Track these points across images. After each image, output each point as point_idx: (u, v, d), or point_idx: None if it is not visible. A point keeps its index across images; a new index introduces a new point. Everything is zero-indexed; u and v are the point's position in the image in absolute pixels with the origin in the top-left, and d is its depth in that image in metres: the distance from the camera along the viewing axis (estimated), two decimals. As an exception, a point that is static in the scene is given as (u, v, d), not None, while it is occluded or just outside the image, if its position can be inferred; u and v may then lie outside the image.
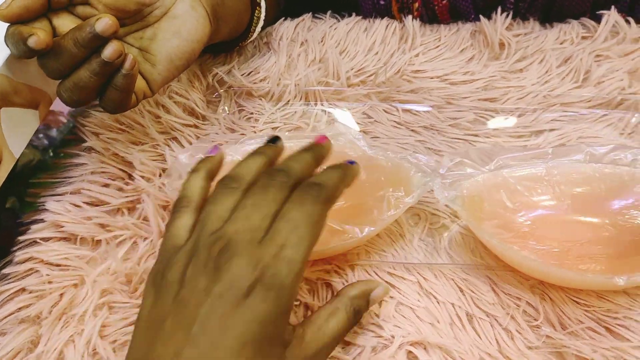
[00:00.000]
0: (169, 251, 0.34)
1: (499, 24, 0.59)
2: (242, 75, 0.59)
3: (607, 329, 0.40)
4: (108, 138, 0.53)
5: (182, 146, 0.53)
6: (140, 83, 0.45)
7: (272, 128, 0.56)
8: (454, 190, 0.44)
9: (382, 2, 0.64)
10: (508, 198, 0.45)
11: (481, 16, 0.60)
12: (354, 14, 0.64)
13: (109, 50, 0.40)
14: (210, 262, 0.31)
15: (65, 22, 0.42)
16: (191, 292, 0.31)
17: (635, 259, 0.42)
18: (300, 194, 0.34)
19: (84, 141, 0.53)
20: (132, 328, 0.42)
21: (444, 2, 0.62)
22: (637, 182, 0.44)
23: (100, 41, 0.40)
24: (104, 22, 0.39)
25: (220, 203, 0.34)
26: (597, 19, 0.59)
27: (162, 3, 0.45)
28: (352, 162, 0.38)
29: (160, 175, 0.51)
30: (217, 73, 0.59)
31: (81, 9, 0.43)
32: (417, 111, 0.55)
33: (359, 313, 0.37)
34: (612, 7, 0.59)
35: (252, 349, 0.30)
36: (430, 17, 0.64)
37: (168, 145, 0.53)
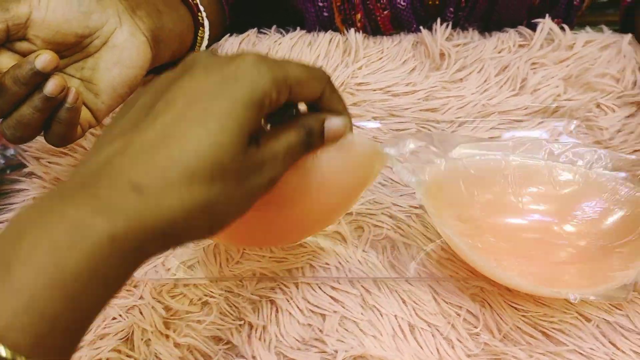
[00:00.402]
0: None
1: (439, 35, 0.60)
2: (186, 93, 0.59)
3: (543, 333, 0.41)
4: (49, 162, 0.52)
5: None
6: (84, 113, 0.45)
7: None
8: (416, 176, 0.43)
9: (325, 14, 0.65)
10: (466, 188, 0.45)
11: (422, 27, 0.61)
12: (298, 29, 0.65)
13: (51, 86, 0.40)
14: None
15: (3, 60, 0.42)
16: (163, 80, 0.32)
17: (580, 266, 0.43)
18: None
19: (25, 166, 0.53)
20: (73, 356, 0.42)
21: (386, 12, 0.63)
22: (591, 185, 0.45)
23: (41, 77, 0.40)
24: (44, 59, 0.39)
25: None
26: (534, 28, 0.61)
27: (101, 33, 0.45)
28: None
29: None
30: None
31: (19, 45, 0.43)
32: (362, 126, 0.56)
33: (311, 135, 0.35)
34: (547, 15, 0.60)
35: (218, 124, 0.29)
36: (373, 28, 0.65)
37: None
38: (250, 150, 0.31)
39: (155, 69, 0.57)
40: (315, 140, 0.36)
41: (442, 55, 0.60)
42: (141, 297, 0.45)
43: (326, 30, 0.64)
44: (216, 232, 0.31)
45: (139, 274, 0.46)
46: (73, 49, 0.45)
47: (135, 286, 0.46)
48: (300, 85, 0.33)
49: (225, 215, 0.31)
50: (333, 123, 0.36)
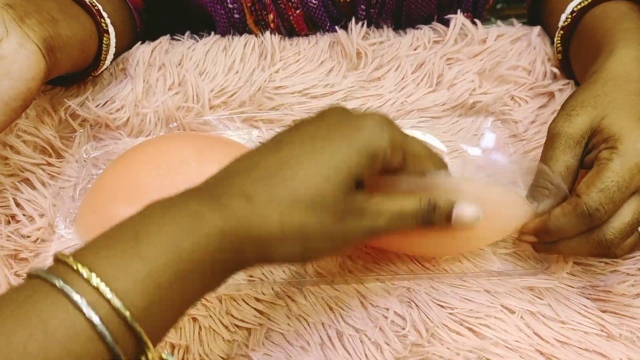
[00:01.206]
0: None
1: (354, 34, 0.60)
2: (96, 106, 0.56)
3: (470, 329, 0.41)
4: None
5: (34, 188, 0.50)
6: None
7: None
8: None
9: (236, 16, 0.63)
10: None
11: (337, 27, 0.60)
12: (212, 33, 0.63)
13: None
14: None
15: None
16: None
17: None
18: None
19: None
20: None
21: (298, 11, 0.62)
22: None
23: None
24: None
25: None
26: (447, 23, 0.61)
27: None
28: None
29: (9, 222, 0.48)
30: (70, 106, 0.56)
31: None
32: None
33: (435, 209, 0.37)
34: (459, 10, 0.61)
35: (333, 158, 0.33)
36: (287, 28, 0.64)
37: (17, 188, 0.50)
38: (356, 196, 0.34)
39: (63, 79, 0.54)
40: (439, 219, 0.37)
41: (358, 54, 0.59)
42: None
43: (240, 34, 0.63)
44: (308, 261, 0.35)
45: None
46: None
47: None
48: (415, 159, 0.37)
49: (319, 247, 0.34)
50: (466, 212, 0.37)
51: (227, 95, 0.57)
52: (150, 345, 0.28)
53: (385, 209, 0.35)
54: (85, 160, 0.54)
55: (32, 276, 0.28)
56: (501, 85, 0.56)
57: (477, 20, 0.61)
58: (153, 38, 0.64)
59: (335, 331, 0.42)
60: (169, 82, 0.58)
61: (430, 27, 0.61)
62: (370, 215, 0.35)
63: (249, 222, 0.31)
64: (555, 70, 0.56)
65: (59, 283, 0.26)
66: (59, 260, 0.28)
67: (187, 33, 0.64)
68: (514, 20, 0.62)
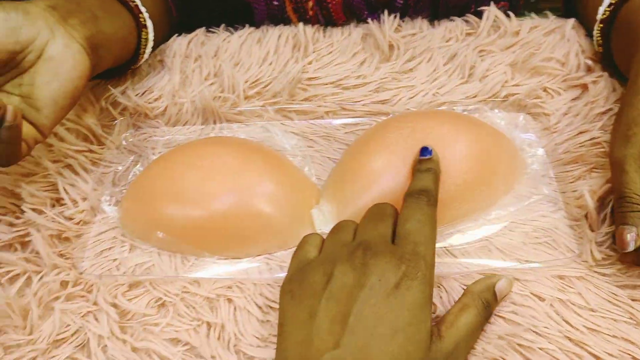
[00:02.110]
0: (302, 262, 0.39)
1: (387, 26, 0.60)
2: (136, 95, 0.58)
3: (499, 316, 0.42)
4: (-6, 172, 0.51)
5: (77, 173, 0.52)
6: (29, 130, 0.44)
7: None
8: None
9: (275, 3, 0.64)
10: None
11: (370, 20, 0.61)
12: (247, 26, 0.64)
13: None
14: (356, 260, 0.36)
15: None
16: (341, 288, 0.35)
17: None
18: (415, 200, 0.40)
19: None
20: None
21: None
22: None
23: None
24: None
25: (344, 227, 0.41)
26: (480, 16, 0.61)
27: (34, 47, 0.44)
28: (426, 150, 0.45)
29: (53, 206, 0.50)
30: (110, 95, 0.58)
31: None
32: (313, 122, 0.56)
33: (488, 306, 0.40)
34: (492, 2, 0.61)
35: (403, 335, 0.33)
36: (325, 17, 0.65)
37: (61, 174, 0.52)
38: (434, 346, 0.35)
39: (104, 72, 0.56)
40: (493, 308, 0.40)
41: (391, 46, 0.60)
42: (95, 303, 0.44)
43: (276, 23, 0.64)
44: None
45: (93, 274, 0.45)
46: (7, 66, 0.43)
47: (88, 291, 0.45)
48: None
49: None
50: (503, 285, 0.41)
51: (261, 86, 0.58)
52: None
53: (460, 337, 0.37)
54: (124, 147, 0.56)
55: None
56: (534, 77, 0.56)
57: (510, 13, 0.61)
58: (189, 30, 0.65)
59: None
60: (205, 72, 0.60)
61: (463, 19, 0.62)
62: (454, 354, 0.36)
63: None
64: (590, 62, 0.56)
65: None
66: None
67: (223, 26, 0.65)
68: (548, 13, 0.62)
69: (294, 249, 0.43)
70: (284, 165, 0.51)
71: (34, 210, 0.48)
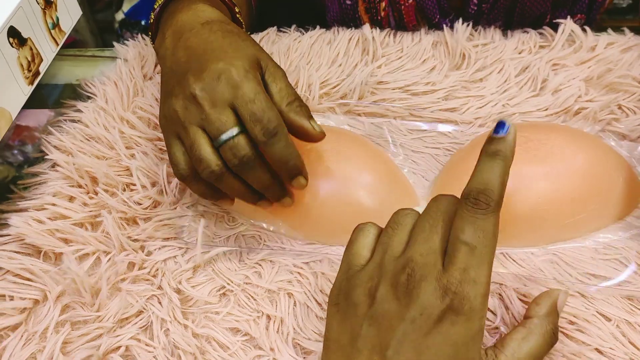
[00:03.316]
0: (352, 269, 0.36)
1: (460, 35, 0.60)
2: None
3: (563, 333, 0.41)
4: (72, 153, 0.53)
5: (147, 160, 0.54)
6: None
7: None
8: None
9: (348, 2, 0.65)
10: None
11: (444, 26, 0.61)
12: (317, 27, 0.65)
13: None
14: (400, 287, 0.32)
15: None
16: (383, 316, 0.32)
17: None
18: (471, 206, 0.32)
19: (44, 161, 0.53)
20: (94, 343, 0.42)
21: (410, 1, 0.63)
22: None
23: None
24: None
25: (401, 225, 0.36)
26: (555, 28, 0.61)
27: None
28: (501, 126, 0.33)
29: (124, 190, 0.51)
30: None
31: None
32: (378, 123, 0.56)
33: (555, 330, 0.36)
34: (569, 16, 0.60)
35: None
36: (396, 19, 0.65)
37: (134, 158, 0.53)
38: None
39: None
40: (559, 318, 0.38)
41: (462, 55, 0.60)
42: (159, 288, 0.45)
43: (347, 22, 0.64)
44: None
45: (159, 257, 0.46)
46: None
47: (154, 275, 0.46)
48: None
49: None
50: (562, 300, 0.38)
51: (330, 86, 0.59)
52: None
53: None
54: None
55: None
56: (609, 94, 0.55)
57: (586, 27, 0.60)
58: (260, 29, 0.66)
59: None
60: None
61: (537, 32, 0.61)
62: None
63: None
64: (668, 82, 0.54)
65: None
66: None
67: (294, 26, 0.66)
68: (626, 30, 0.60)
69: None
70: (386, 161, 0.52)
71: (107, 192, 0.50)
